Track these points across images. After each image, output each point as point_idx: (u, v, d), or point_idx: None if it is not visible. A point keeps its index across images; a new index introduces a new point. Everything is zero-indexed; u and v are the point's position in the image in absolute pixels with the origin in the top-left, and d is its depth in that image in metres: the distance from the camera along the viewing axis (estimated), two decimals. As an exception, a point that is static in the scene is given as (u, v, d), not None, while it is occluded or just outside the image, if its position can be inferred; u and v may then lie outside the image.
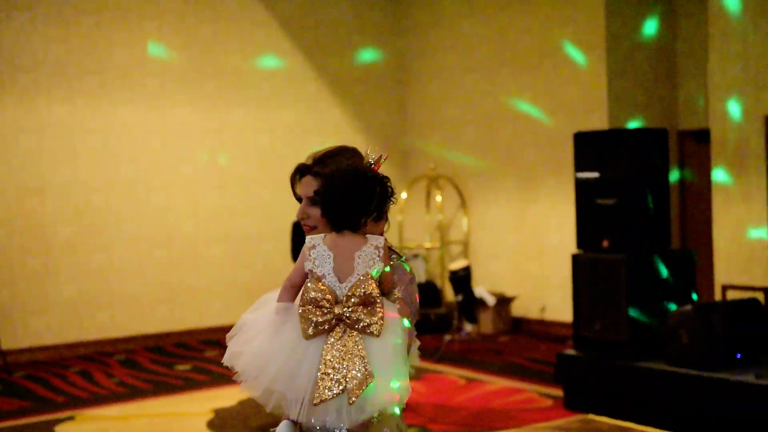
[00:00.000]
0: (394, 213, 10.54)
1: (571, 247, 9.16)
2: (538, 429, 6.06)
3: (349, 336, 2.26)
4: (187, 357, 8.85)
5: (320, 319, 2.26)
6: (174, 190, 9.67)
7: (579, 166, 6.35)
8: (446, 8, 10.52)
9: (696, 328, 5.60)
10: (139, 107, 9.46)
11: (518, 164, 9.81)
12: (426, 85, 10.91)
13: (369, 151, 2.43)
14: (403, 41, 11.11)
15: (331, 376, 2.21)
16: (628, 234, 6.10)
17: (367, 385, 2.20)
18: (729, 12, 7.60)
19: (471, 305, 8.74)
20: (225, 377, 7.80)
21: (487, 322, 9.51)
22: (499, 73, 9.95)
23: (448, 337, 8.74)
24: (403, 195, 10.56)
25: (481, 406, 6.67)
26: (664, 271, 6.13)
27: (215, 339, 9.66)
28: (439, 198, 10.38)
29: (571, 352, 6.43)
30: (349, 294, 2.27)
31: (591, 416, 6.18)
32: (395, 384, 2.24)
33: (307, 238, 2.37)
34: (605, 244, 6.11)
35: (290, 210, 10.17)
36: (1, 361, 8.13)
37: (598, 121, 8.81)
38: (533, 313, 9.70)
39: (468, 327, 9.21)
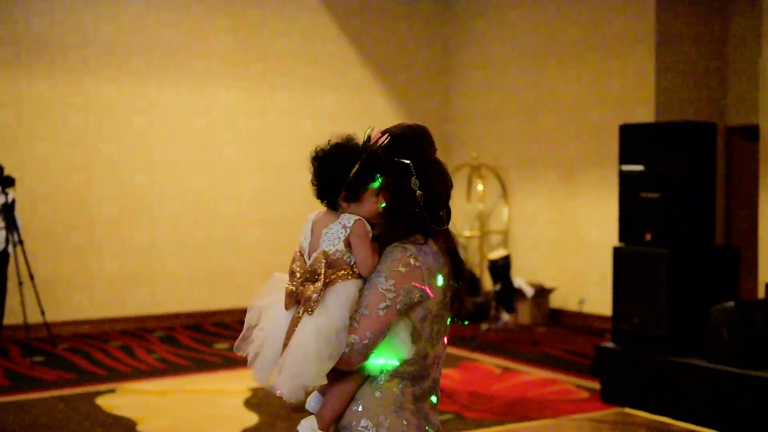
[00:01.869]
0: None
1: (611, 240, 9.09)
2: (573, 420, 6.06)
3: (297, 311, 2.23)
4: (225, 336, 8.96)
5: (288, 293, 2.25)
6: (216, 172, 9.77)
7: (624, 159, 6.31)
8: (491, 0, 10.49)
9: (737, 325, 5.55)
10: (185, 89, 9.56)
11: (561, 156, 9.76)
12: (470, 74, 10.89)
13: (370, 130, 2.31)
14: (449, 29, 11.09)
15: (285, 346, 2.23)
16: (671, 228, 6.06)
17: (284, 365, 2.19)
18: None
19: (509, 295, 8.73)
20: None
21: (524, 313, 9.50)
22: (545, 64, 9.90)
23: (485, 326, 8.75)
24: (445, 183, 10.53)
25: (517, 396, 6.68)
26: (706, 268, 6.09)
27: (253, 320, 9.76)
28: (480, 187, 10.37)
29: (609, 344, 6.41)
30: (303, 270, 2.24)
31: (627, 410, 6.16)
32: (305, 370, 2.17)
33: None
34: (648, 237, 6.07)
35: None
36: (45, 332, 8.29)
37: (644, 115, 8.73)
38: (571, 306, 9.66)
39: (505, 317, 9.20)
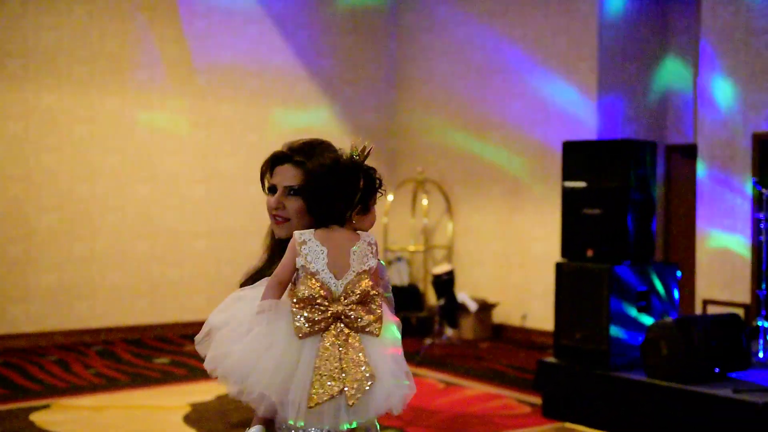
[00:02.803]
0: (379, 215, 10.45)
1: (554, 256, 9.18)
2: (515, 435, 6.06)
3: (347, 335, 2.14)
4: (166, 350, 8.81)
5: (316, 317, 2.13)
6: (159, 183, 9.62)
7: (567, 175, 6.36)
8: (440, 15, 10.53)
9: (676, 340, 5.61)
10: (127, 99, 9.41)
11: (505, 172, 9.82)
12: (417, 89, 10.91)
13: (353, 144, 2.31)
14: (396, 44, 11.12)
15: (328, 377, 2.09)
16: (612, 245, 6.12)
17: (368, 387, 2.10)
18: (721, 29, 7.65)
19: (453, 310, 8.74)
20: (204, 372, 7.75)
21: (468, 328, 9.51)
22: (491, 81, 9.96)
23: (428, 341, 8.74)
24: (390, 197, 10.56)
25: (459, 411, 6.67)
26: (646, 284, 6.15)
27: (195, 333, 9.58)
28: (425, 202, 10.38)
29: (551, 359, 6.44)
30: (347, 291, 2.16)
31: (568, 424, 6.19)
32: (398, 385, 2.13)
33: (296, 233, 2.25)
34: (589, 253, 6.12)
35: (276, 208, 10.15)
36: (-22, 347, 8.06)
37: (587, 133, 8.83)
38: (514, 321, 9.70)
39: (449, 331, 9.21)
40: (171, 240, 9.71)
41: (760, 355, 6.04)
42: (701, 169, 7.80)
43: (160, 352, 8.74)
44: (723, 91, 7.66)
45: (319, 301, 2.14)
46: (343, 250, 2.21)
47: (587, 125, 8.86)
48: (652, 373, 5.70)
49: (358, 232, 2.27)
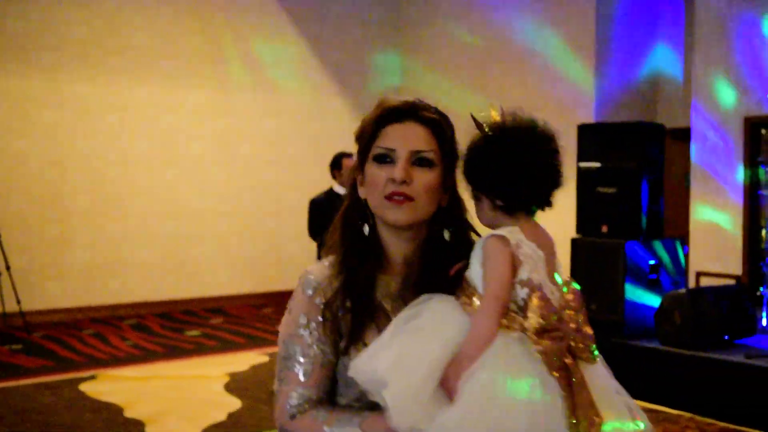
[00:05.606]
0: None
1: (555, 232, 9.07)
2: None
3: (581, 366, 1.50)
4: (194, 323, 8.64)
5: (558, 345, 1.46)
6: (184, 166, 9.42)
7: (581, 156, 6.23)
8: (440, 8, 10.34)
9: (688, 310, 5.52)
10: (155, 88, 9.19)
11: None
12: (420, 78, 10.72)
13: (491, 108, 1.63)
14: (401, 35, 10.91)
15: (587, 423, 1.46)
16: (625, 222, 6.00)
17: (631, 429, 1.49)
18: (710, 12, 7.51)
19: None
20: (234, 344, 7.66)
21: (473, 300, 9.39)
22: (491, 70, 9.79)
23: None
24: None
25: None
26: (656, 258, 6.05)
27: (218, 307, 9.47)
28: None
29: (566, 329, 6.33)
30: (569, 309, 1.51)
31: (584, 389, 6.09)
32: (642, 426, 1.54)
33: (504, 232, 1.52)
34: (605, 229, 6.00)
35: (292, 189, 9.98)
36: (21, 321, 7.86)
37: (584, 117, 8.69)
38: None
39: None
40: (195, 221, 9.52)
41: (764, 323, 5.96)
42: (695, 150, 7.69)
43: (189, 325, 8.57)
44: (715, 77, 7.54)
45: (556, 324, 1.49)
46: (550, 251, 1.58)
47: (585, 110, 8.72)
48: (666, 341, 5.61)
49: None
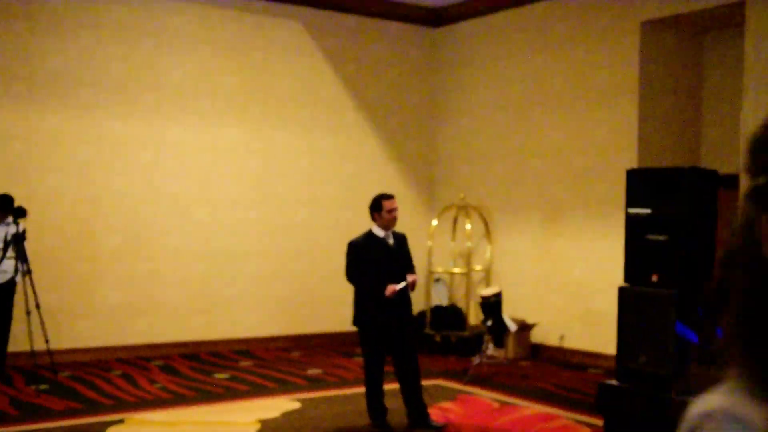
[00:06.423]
0: (424, 239, 10.25)
1: (592, 279, 8.83)
2: (582, 456, 5.66)
3: None
4: (222, 366, 8.45)
5: None
6: (217, 206, 9.32)
7: (630, 202, 6.00)
8: (482, 49, 10.23)
9: (745, 365, 5.23)
10: (190, 126, 9.13)
11: (544, 198, 9.48)
12: (456, 119, 10.60)
13: None
14: (437, 77, 10.81)
15: None
16: (676, 270, 5.75)
17: None
18: (761, 56, 7.32)
19: (500, 330, 8.36)
20: (264, 388, 7.44)
21: (508, 347, 9.12)
22: (530, 112, 9.64)
23: (476, 360, 8.35)
24: (434, 222, 10.23)
25: (522, 431, 6.28)
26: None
27: (246, 349, 9.27)
28: (468, 226, 10.03)
29: (613, 382, 6.06)
30: None
31: (632, 446, 5.80)
32: None
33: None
34: (655, 278, 5.75)
35: (326, 230, 9.81)
36: (48, 360, 7.71)
37: (627, 161, 8.48)
38: (551, 341, 9.32)
39: (491, 350, 8.81)
40: (227, 261, 9.38)
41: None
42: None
43: (217, 367, 8.38)
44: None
45: None
46: None
47: (627, 154, 8.51)
48: (721, 397, 5.31)
49: None
